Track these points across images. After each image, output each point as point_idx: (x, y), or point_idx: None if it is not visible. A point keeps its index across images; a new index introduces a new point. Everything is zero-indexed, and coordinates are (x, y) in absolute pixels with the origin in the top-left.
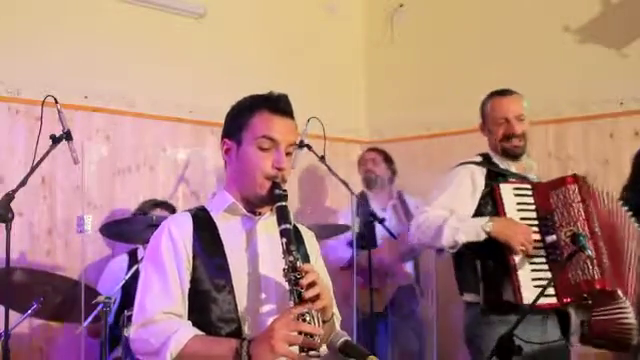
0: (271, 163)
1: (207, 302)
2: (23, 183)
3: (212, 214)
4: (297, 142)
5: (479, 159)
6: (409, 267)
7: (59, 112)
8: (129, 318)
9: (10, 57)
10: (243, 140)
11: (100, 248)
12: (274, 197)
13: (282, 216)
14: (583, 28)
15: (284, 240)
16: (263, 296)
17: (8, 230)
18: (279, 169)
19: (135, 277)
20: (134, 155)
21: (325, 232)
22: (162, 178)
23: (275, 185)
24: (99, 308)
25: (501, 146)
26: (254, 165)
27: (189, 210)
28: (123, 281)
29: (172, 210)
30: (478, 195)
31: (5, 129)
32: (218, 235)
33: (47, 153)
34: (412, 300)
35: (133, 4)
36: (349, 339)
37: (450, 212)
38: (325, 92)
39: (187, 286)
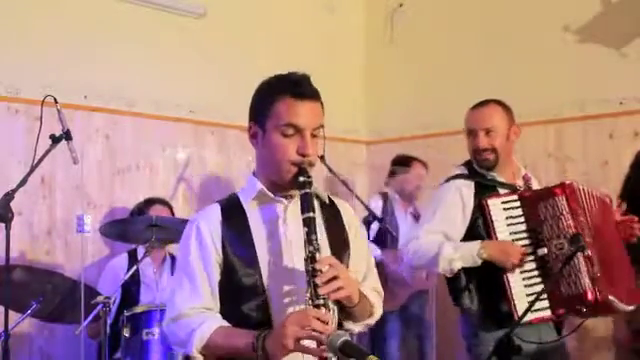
0: (296, 149)
1: (237, 292)
2: (23, 183)
3: (242, 201)
4: (322, 123)
5: (465, 171)
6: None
7: (59, 112)
8: (128, 318)
9: (10, 57)
10: (267, 127)
11: (100, 248)
12: (298, 184)
13: (305, 204)
14: (583, 28)
15: (305, 229)
16: (292, 286)
17: (8, 230)
18: (304, 155)
19: (135, 277)
20: (134, 155)
21: None
22: (162, 178)
23: (300, 171)
24: (99, 308)
25: (473, 158)
26: (279, 152)
27: (220, 201)
28: (123, 281)
29: (169, 206)
30: (469, 212)
31: (5, 129)
32: (247, 224)
33: (47, 153)
34: (422, 306)
35: (133, 4)
36: (349, 339)
37: (442, 235)
38: (324, 92)
39: (217, 279)
